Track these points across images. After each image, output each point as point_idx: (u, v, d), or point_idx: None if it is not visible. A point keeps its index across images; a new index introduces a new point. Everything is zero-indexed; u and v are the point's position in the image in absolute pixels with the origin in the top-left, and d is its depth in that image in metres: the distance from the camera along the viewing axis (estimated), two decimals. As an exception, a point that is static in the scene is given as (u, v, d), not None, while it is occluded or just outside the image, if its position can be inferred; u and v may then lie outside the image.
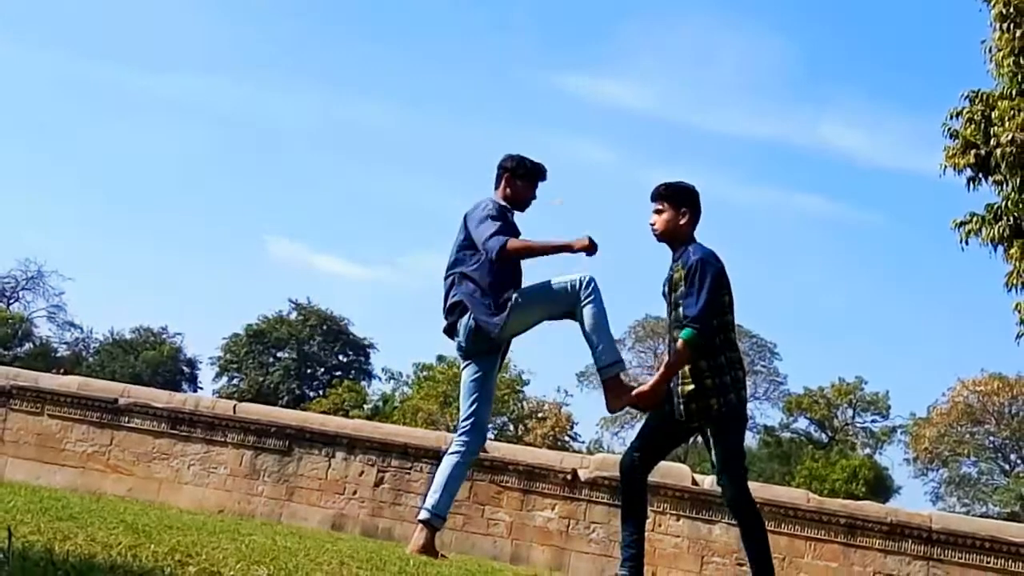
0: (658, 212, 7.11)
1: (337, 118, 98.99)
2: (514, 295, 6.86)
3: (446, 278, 7.17)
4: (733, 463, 6.87)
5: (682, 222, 7.06)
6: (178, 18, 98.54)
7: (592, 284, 6.87)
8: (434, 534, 6.85)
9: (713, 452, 6.96)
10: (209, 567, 3.16)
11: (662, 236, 7.11)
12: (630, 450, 7.24)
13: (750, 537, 6.95)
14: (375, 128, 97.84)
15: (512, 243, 6.88)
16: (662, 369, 6.95)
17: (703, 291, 6.74)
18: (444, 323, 7.13)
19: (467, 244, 7.10)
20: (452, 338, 7.15)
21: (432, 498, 6.86)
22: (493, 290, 6.92)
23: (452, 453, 7.05)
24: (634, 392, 6.92)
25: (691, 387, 6.81)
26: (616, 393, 6.91)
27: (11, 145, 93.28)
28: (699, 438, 7.26)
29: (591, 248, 6.98)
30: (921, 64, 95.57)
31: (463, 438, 7.07)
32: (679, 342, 6.73)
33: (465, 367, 7.15)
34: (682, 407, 6.87)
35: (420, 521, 6.90)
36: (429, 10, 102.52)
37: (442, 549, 6.89)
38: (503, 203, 7.21)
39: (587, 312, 6.86)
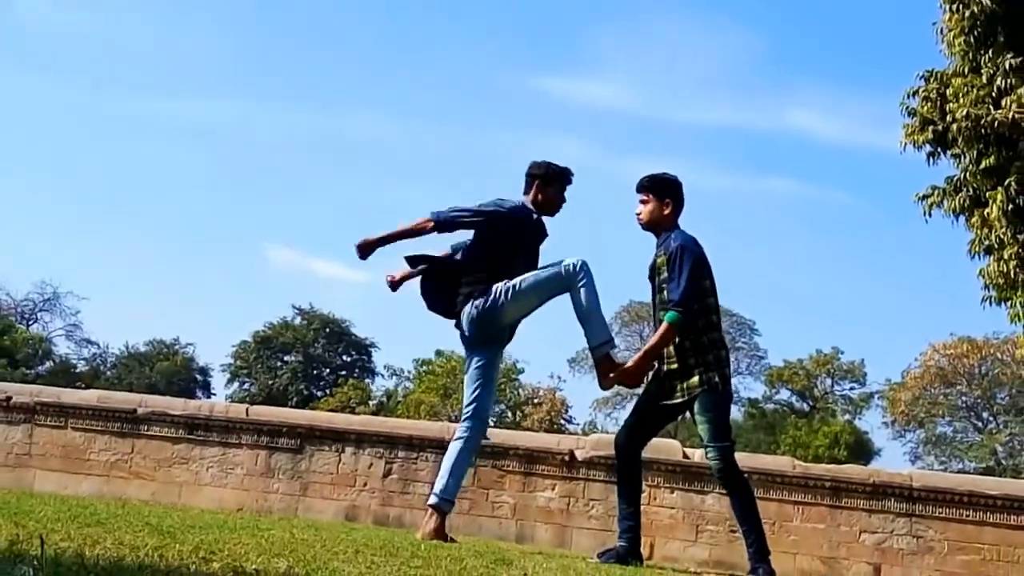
0: (643, 203, 7.19)
1: (326, 130, 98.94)
2: (510, 284, 6.86)
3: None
4: (719, 437, 6.92)
5: (665, 212, 7.15)
6: (177, 44, 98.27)
7: (584, 267, 6.86)
8: (444, 518, 6.86)
9: (700, 428, 7.01)
10: (232, 562, 3.16)
11: (647, 225, 7.20)
12: (624, 428, 7.29)
13: (740, 506, 7.02)
14: (362, 137, 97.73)
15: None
16: (645, 348, 7.02)
17: (684, 276, 6.81)
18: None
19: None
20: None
21: (440, 483, 6.89)
22: (488, 279, 6.94)
23: (457, 439, 7.07)
24: (620, 370, 6.95)
25: (676, 367, 6.87)
26: (606, 371, 6.90)
27: (23, 172, 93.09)
28: (688, 415, 7.30)
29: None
30: (877, 48, 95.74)
31: (466, 424, 7.09)
32: (663, 323, 6.78)
33: (468, 357, 7.16)
34: (668, 386, 6.93)
35: (430, 506, 6.92)
36: (410, 24, 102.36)
37: (451, 532, 6.89)
38: (529, 206, 7.22)
39: (580, 294, 6.86)
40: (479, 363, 7.09)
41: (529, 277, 6.92)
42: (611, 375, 6.93)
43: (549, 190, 7.26)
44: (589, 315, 6.89)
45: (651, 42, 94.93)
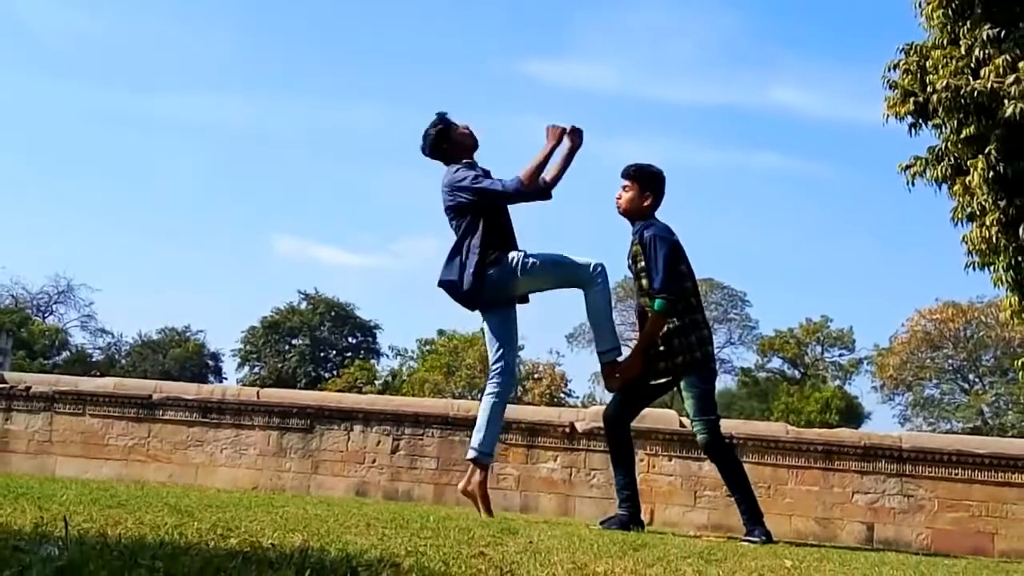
0: (625, 189, 7.25)
1: (325, 121, 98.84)
2: (528, 259, 6.91)
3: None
4: (705, 411, 7.00)
5: (645, 203, 7.22)
6: (181, 42, 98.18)
7: (604, 272, 6.95)
8: (485, 470, 6.98)
9: (686, 403, 7.08)
10: (248, 538, 3.18)
11: (625, 213, 7.28)
12: (612, 404, 7.34)
13: (729, 475, 7.10)
14: (358, 127, 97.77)
15: (524, 173, 6.90)
16: (639, 340, 7.11)
17: (661, 263, 6.89)
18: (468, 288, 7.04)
19: (458, 209, 7.12)
20: (473, 306, 7.18)
21: (476, 437, 6.95)
22: (498, 245, 6.95)
23: (488, 395, 7.12)
24: (621, 368, 7.01)
25: (660, 347, 6.94)
26: (611, 373, 7.03)
27: (37, 169, 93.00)
28: (677, 390, 7.36)
29: (574, 133, 7.03)
30: (858, 23, 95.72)
31: (495, 380, 7.13)
32: (652, 314, 6.87)
33: (485, 319, 7.17)
34: (653, 366, 7.01)
35: (469, 460, 7.01)
36: (399, 15, 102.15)
37: (458, 504, 6.92)
38: (469, 160, 7.26)
39: (595, 298, 6.97)
40: (498, 323, 7.13)
41: (548, 258, 6.97)
42: (615, 376, 7.02)
43: (452, 137, 7.31)
44: (601, 321, 7.05)
45: (635, 23, 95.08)
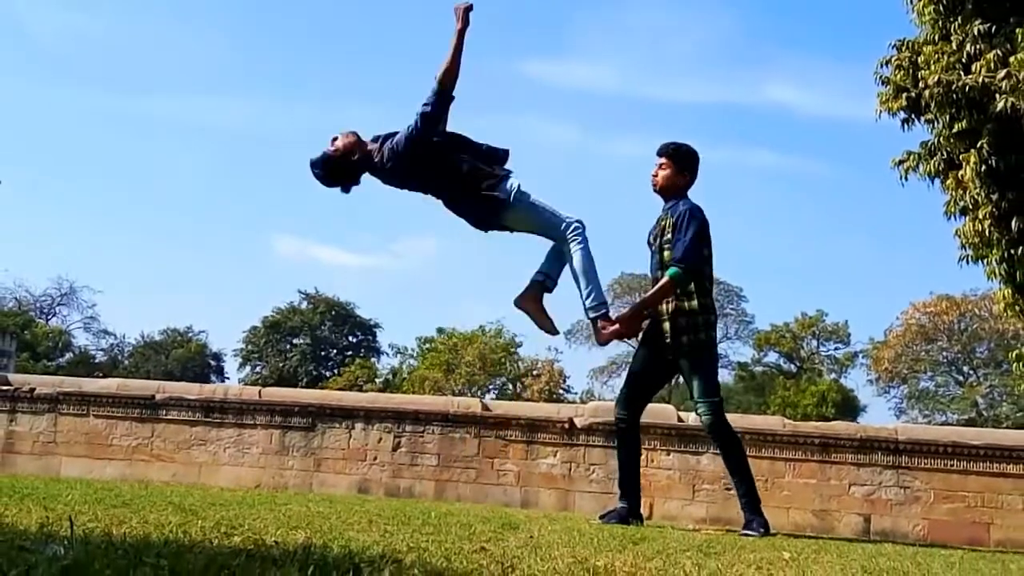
0: (661, 167, 7.22)
1: (324, 122, 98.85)
2: (524, 191, 6.73)
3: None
4: (709, 393, 7.00)
5: (681, 182, 7.19)
6: (179, 45, 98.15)
7: (580, 227, 6.75)
8: (542, 293, 6.91)
9: (690, 386, 7.08)
10: (252, 535, 3.18)
11: (661, 190, 7.24)
12: (621, 398, 7.33)
13: (731, 459, 7.09)
14: (357, 127, 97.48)
15: (440, 75, 6.66)
16: (642, 298, 7.11)
17: (690, 237, 6.89)
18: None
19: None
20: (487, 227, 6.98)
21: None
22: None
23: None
24: (615, 320, 6.93)
25: (667, 326, 6.95)
26: (602, 329, 6.83)
27: (36, 170, 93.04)
28: (679, 380, 7.37)
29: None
30: (850, 20, 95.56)
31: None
32: (665, 278, 6.84)
33: (506, 226, 6.96)
34: (659, 344, 7.01)
35: (533, 281, 6.93)
36: (396, 15, 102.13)
37: (459, 500, 6.91)
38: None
39: (576, 256, 6.73)
40: (523, 220, 6.88)
41: (538, 200, 6.78)
42: (607, 330, 6.91)
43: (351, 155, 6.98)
44: (584, 277, 6.76)
45: (634, 23, 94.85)
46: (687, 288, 6.93)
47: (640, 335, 7.42)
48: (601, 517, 7.06)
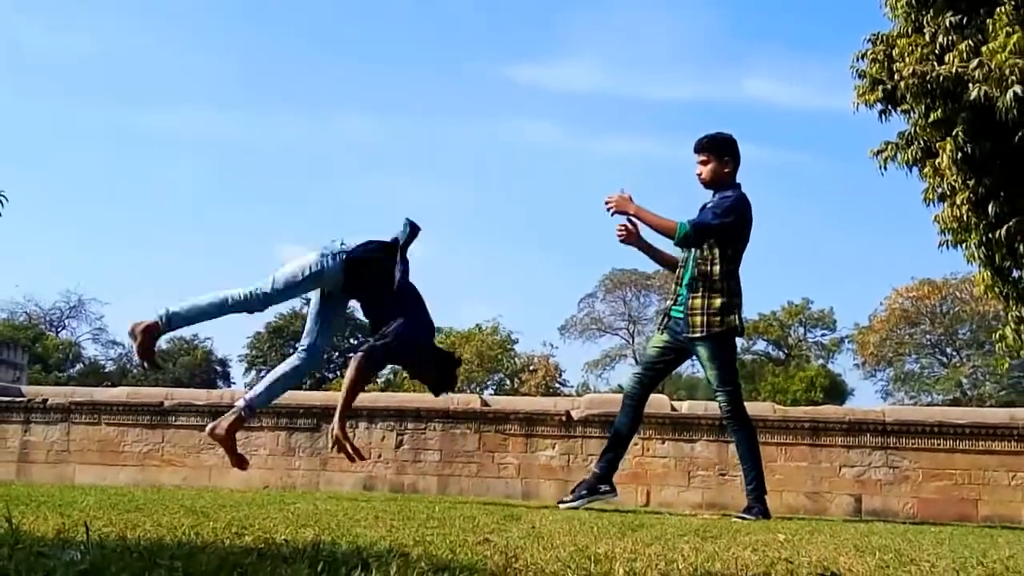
0: (703, 163, 7.12)
1: (319, 133, 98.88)
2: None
3: None
4: (727, 381, 6.97)
5: (726, 170, 7.11)
6: (179, 62, 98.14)
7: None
8: (242, 422, 7.04)
9: (708, 373, 7.05)
10: (263, 534, 3.18)
11: (709, 184, 7.13)
12: (633, 375, 7.34)
13: (744, 444, 7.08)
14: (352, 136, 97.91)
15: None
16: (648, 212, 6.99)
17: (719, 217, 6.81)
18: None
19: None
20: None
21: (255, 391, 7.09)
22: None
23: (291, 363, 7.22)
24: (620, 197, 6.95)
25: (699, 302, 6.88)
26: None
27: (42, 187, 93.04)
28: (676, 372, 7.38)
29: None
30: (826, 15, 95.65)
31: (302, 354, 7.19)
32: (674, 221, 6.82)
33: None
34: (689, 320, 6.93)
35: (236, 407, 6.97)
36: (383, 24, 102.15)
37: (461, 495, 6.92)
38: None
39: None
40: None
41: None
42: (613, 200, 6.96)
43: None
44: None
45: (615, 26, 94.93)
46: (722, 269, 6.90)
47: (661, 319, 7.42)
48: (572, 491, 7.12)
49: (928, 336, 59.71)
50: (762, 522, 6.11)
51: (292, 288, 6.80)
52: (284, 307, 71.27)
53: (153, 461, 11.22)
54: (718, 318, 6.87)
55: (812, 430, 10.27)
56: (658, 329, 7.48)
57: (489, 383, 60.47)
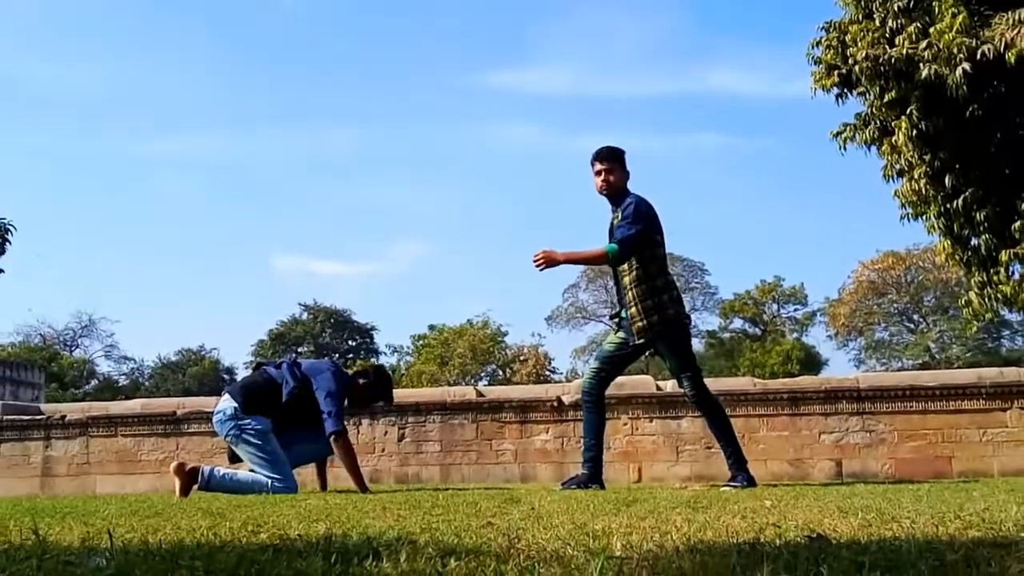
0: (607, 171, 7.22)
1: (306, 146, 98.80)
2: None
3: None
4: (687, 367, 7.02)
5: (625, 179, 7.24)
6: (170, 88, 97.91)
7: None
8: (195, 480, 7.49)
9: (668, 363, 7.10)
10: (277, 531, 3.18)
11: (610, 191, 7.22)
12: (591, 373, 7.36)
13: (714, 424, 7.13)
14: (337, 147, 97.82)
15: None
16: (575, 251, 7.10)
17: (636, 225, 6.88)
18: None
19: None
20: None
21: (226, 472, 7.59)
22: None
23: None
24: (545, 252, 6.94)
25: (634, 310, 6.96)
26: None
27: (51, 214, 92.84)
28: (651, 353, 7.40)
29: None
30: (782, 5, 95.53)
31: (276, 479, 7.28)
32: (601, 248, 6.91)
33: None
34: (633, 327, 7.01)
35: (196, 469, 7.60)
36: (361, 38, 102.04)
37: (463, 483, 6.92)
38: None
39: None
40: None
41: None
42: (540, 256, 6.95)
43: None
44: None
45: (583, 29, 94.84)
46: (648, 271, 6.96)
47: (612, 316, 7.49)
48: (562, 484, 7.13)
49: (895, 305, 59.81)
50: (749, 490, 6.14)
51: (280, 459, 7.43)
52: (284, 314, 71.30)
53: (169, 468, 11.22)
54: (655, 317, 6.94)
55: (791, 400, 10.29)
56: (612, 330, 7.53)
57: (483, 375, 60.42)
